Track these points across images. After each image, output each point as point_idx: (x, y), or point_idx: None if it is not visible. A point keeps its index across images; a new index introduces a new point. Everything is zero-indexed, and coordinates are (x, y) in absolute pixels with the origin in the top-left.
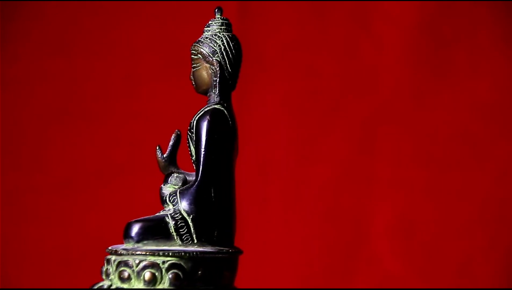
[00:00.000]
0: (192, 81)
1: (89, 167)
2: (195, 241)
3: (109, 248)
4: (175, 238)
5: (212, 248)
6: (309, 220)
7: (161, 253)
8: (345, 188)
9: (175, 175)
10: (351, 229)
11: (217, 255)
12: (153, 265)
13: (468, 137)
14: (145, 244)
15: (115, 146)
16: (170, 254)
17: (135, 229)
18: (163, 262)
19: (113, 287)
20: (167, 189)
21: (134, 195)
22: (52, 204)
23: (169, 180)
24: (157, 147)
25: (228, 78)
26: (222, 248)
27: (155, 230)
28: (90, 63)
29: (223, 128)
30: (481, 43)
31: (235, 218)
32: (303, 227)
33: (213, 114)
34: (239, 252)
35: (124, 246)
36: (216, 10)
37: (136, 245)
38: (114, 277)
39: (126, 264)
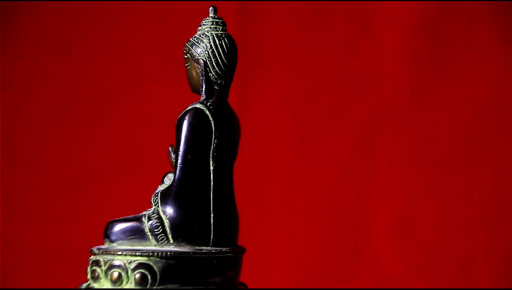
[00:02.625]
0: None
1: (89, 167)
2: (171, 241)
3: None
4: (150, 238)
5: (190, 248)
6: (309, 220)
7: (128, 253)
8: (345, 188)
9: (170, 175)
10: (351, 229)
11: (194, 256)
12: (119, 265)
13: (468, 137)
14: (119, 244)
15: (115, 146)
16: (138, 254)
17: (111, 228)
18: (129, 262)
19: (89, 286)
20: (159, 189)
21: (134, 194)
22: (51, 203)
23: (164, 180)
24: (170, 148)
25: (217, 77)
26: (201, 248)
27: (130, 230)
28: (90, 63)
29: (202, 128)
30: (481, 43)
31: (232, 218)
32: (303, 227)
33: (192, 114)
34: (221, 252)
35: (103, 245)
36: (210, 9)
37: (111, 245)
38: (89, 276)
39: (97, 263)
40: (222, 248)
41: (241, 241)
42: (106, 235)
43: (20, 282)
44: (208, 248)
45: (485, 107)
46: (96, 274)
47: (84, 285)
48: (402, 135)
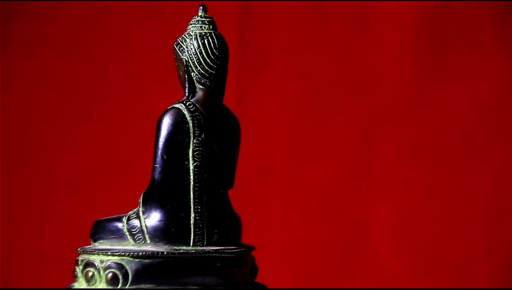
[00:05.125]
0: None
1: (89, 167)
2: (148, 242)
3: None
4: (128, 238)
5: (167, 248)
6: (309, 219)
7: (102, 252)
8: (345, 188)
9: None
10: (351, 229)
11: (169, 256)
12: (93, 264)
13: (468, 137)
14: (101, 244)
15: (115, 146)
16: (109, 253)
17: (94, 228)
18: (102, 262)
19: (72, 286)
20: None
21: (134, 194)
22: (52, 204)
23: None
24: None
25: (200, 77)
26: (179, 248)
27: (110, 230)
28: (90, 63)
29: (178, 127)
30: (481, 43)
31: (222, 217)
32: (303, 226)
33: (168, 114)
34: (203, 252)
35: (88, 245)
36: (199, 8)
37: (94, 244)
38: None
39: (76, 263)
40: (205, 248)
41: (241, 240)
42: (90, 235)
43: (20, 282)
44: (188, 248)
45: (485, 107)
46: (75, 273)
47: (70, 286)
48: (402, 135)
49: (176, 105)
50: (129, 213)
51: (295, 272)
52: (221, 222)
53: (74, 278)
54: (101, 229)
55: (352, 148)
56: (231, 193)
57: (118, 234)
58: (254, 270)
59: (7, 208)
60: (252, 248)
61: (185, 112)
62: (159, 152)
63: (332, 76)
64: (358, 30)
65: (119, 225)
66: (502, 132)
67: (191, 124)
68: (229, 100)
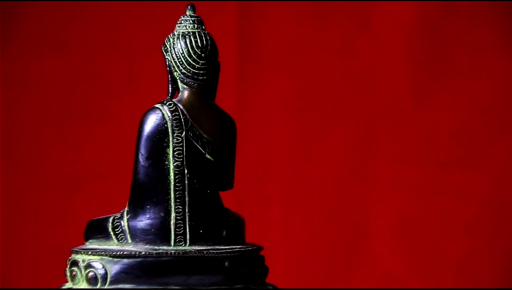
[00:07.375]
0: None
1: (89, 167)
2: (129, 241)
3: None
4: (113, 238)
5: (147, 248)
6: (309, 219)
7: (85, 252)
8: (345, 188)
9: None
10: (351, 229)
11: (148, 255)
12: (77, 264)
13: (467, 137)
14: (90, 243)
15: (115, 146)
16: (90, 253)
17: (86, 227)
18: (83, 261)
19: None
20: None
21: None
22: (52, 203)
23: None
24: None
25: (183, 77)
26: (158, 248)
27: (98, 229)
28: (91, 62)
29: (155, 127)
30: (481, 43)
31: (209, 216)
32: (302, 226)
33: (147, 113)
34: (184, 252)
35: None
36: (187, 7)
37: (85, 244)
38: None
39: (66, 262)
40: (186, 248)
41: None
42: (83, 234)
43: (20, 282)
44: (169, 248)
45: (485, 107)
46: (65, 272)
47: (61, 286)
48: (401, 135)
49: (156, 105)
50: (118, 213)
51: (295, 272)
52: (208, 221)
53: (65, 277)
54: (91, 229)
55: (352, 148)
56: (231, 193)
57: (105, 234)
58: (263, 270)
59: (7, 208)
60: (257, 249)
61: (164, 111)
62: (139, 152)
63: (332, 76)
64: (358, 30)
65: (106, 225)
66: (502, 132)
67: (169, 124)
68: (229, 100)
